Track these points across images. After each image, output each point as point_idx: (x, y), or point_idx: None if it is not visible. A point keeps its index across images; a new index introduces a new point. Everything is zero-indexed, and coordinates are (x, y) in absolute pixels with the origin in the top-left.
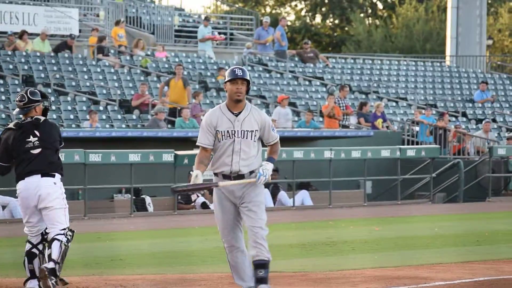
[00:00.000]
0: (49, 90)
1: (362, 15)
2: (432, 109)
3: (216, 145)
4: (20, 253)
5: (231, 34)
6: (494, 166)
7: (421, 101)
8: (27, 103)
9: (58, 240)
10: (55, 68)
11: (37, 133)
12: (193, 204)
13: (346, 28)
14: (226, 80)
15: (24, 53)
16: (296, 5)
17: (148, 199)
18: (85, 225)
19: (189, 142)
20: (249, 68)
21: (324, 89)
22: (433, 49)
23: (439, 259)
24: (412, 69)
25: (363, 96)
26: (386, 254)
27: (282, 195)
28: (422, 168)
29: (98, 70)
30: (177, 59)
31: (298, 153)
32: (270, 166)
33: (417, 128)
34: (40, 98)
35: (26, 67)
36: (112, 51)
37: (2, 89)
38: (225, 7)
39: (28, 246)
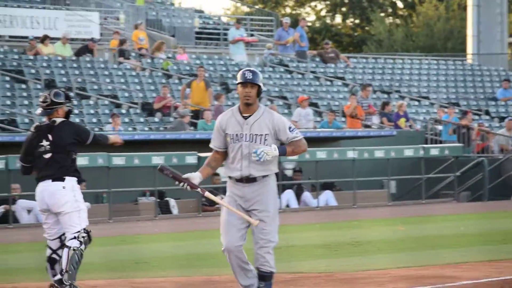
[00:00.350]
0: (71, 94)
1: (382, 14)
2: (455, 108)
3: (228, 148)
4: (45, 257)
5: (251, 35)
6: None
7: (443, 100)
8: (50, 104)
9: (67, 246)
10: (76, 71)
11: (50, 137)
12: (217, 206)
13: (367, 28)
14: (236, 82)
15: (45, 58)
16: (315, 6)
17: (172, 202)
18: (110, 228)
19: None
20: (270, 69)
21: (345, 89)
22: (455, 47)
23: (465, 258)
24: (434, 68)
25: (385, 96)
26: (411, 254)
27: (306, 195)
28: (446, 167)
29: (120, 73)
30: (198, 61)
31: (321, 154)
32: (272, 149)
33: (440, 127)
34: (63, 100)
35: (48, 71)
36: (133, 54)
37: (25, 94)
38: (245, 9)
39: (48, 251)
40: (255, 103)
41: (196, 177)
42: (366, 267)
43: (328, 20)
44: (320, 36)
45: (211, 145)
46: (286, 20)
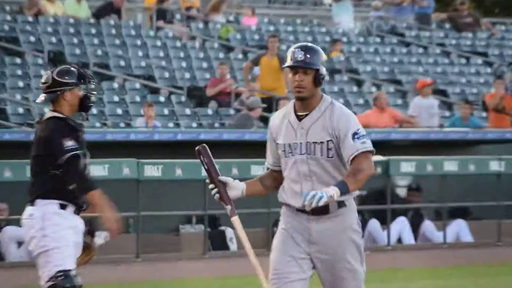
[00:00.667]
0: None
1: None
2: None
3: (281, 164)
4: None
5: None
6: None
7: None
8: (51, 86)
9: None
10: (95, 41)
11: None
12: None
13: None
14: (283, 66)
15: (51, 20)
16: None
17: (229, 232)
18: (138, 270)
19: None
20: (378, 39)
21: (488, 69)
22: None
23: None
24: None
25: None
26: None
27: (427, 226)
28: None
29: (158, 44)
30: (272, 28)
31: (450, 165)
32: (326, 192)
33: None
34: (73, 80)
35: (54, 39)
36: (178, 16)
37: (20, 72)
38: None
39: None
40: (314, 96)
41: (237, 187)
42: None
43: None
44: None
45: (266, 164)
46: None
